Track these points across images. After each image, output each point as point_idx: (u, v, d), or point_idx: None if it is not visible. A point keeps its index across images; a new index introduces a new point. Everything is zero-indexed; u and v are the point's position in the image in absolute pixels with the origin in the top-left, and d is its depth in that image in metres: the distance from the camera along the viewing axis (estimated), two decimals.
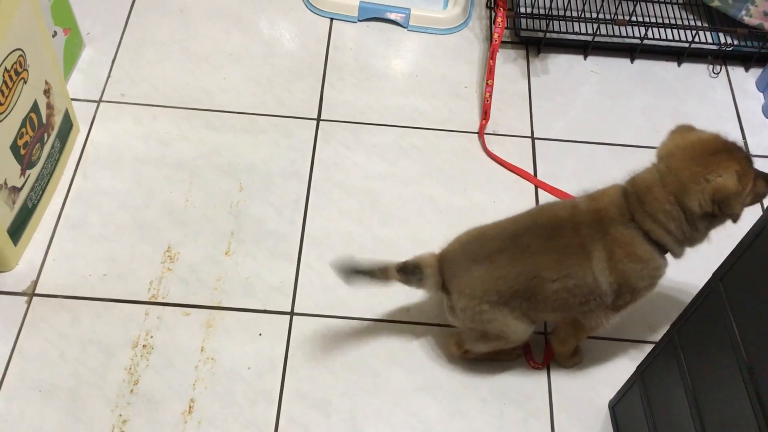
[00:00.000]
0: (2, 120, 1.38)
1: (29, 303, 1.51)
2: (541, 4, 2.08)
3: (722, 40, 2.05)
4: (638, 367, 1.33)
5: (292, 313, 1.55)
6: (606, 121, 1.93)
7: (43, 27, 1.52)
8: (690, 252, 1.68)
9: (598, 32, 2.02)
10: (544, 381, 1.50)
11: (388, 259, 1.36)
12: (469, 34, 2.09)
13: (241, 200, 1.70)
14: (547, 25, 2.00)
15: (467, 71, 2.00)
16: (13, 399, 1.40)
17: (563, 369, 1.52)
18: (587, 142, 1.89)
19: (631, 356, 1.54)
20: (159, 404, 1.42)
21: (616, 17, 2.02)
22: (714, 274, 1.09)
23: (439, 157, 1.82)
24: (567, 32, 2.04)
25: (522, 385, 1.49)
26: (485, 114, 1.87)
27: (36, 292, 1.53)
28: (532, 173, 1.80)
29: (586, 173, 1.81)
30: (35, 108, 1.51)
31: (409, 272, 1.34)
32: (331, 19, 2.07)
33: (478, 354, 1.45)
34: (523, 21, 2.05)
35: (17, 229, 1.53)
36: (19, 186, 1.50)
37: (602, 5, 2.05)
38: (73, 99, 1.77)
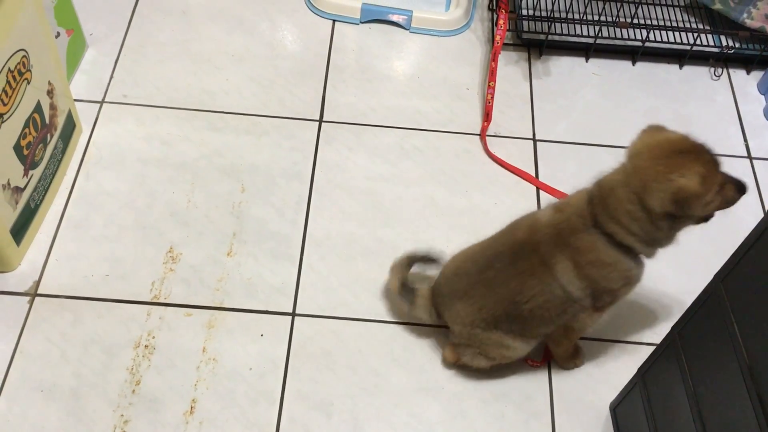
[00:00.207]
0: (6, 120, 1.39)
1: (31, 303, 1.52)
2: (542, 6, 2.08)
3: (724, 43, 2.06)
4: (639, 369, 1.33)
5: (293, 314, 1.55)
6: (608, 124, 1.93)
7: (46, 28, 1.52)
8: (691, 253, 1.69)
9: (599, 35, 2.02)
10: (545, 382, 1.51)
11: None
12: (471, 36, 2.10)
13: (243, 201, 1.70)
14: (549, 28, 2.00)
15: (469, 73, 2.00)
16: (14, 399, 1.40)
17: (564, 370, 1.52)
18: (589, 144, 1.89)
19: (632, 358, 1.54)
20: (160, 404, 1.42)
21: (617, 20, 2.02)
22: (716, 275, 1.09)
23: (441, 159, 1.82)
24: (569, 34, 2.04)
25: (523, 387, 1.49)
26: (487, 116, 1.87)
27: (38, 292, 1.53)
28: (534, 175, 1.81)
29: (587, 175, 1.80)
30: (38, 108, 1.52)
31: (407, 291, 1.47)
32: (334, 20, 2.08)
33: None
34: (525, 23, 2.06)
35: (20, 230, 1.53)
36: (22, 186, 1.51)
37: (604, 8, 2.06)
38: (75, 100, 1.77)
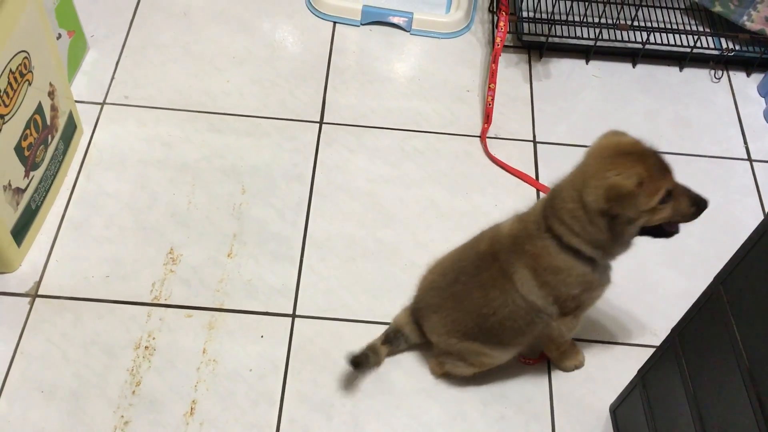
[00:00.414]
0: (7, 121, 1.39)
1: (32, 304, 1.52)
2: (543, 8, 2.09)
3: (724, 45, 2.06)
4: (639, 371, 1.33)
5: (293, 315, 1.55)
6: (608, 126, 1.89)
7: (47, 29, 1.53)
8: (691, 255, 1.69)
9: (600, 37, 2.03)
10: (545, 384, 1.51)
11: (372, 337, 1.46)
12: (471, 38, 2.10)
13: (243, 202, 1.70)
14: (550, 30, 2.01)
15: (470, 75, 2.01)
16: (15, 400, 1.40)
17: (564, 372, 1.52)
18: (589, 146, 1.88)
19: (632, 360, 1.53)
20: (161, 405, 1.42)
21: (618, 22, 2.03)
22: (715, 277, 1.09)
23: (441, 161, 1.82)
24: (569, 37, 2.05)
25: (523, 389, 1.49)
26: (487, 118, 1.88)
27: (39, 293, 1.53)
28: (534, 177, 1.81)
29: None
30: (39, 110, 1.52)
31: (393, 339, 1.46)
32: (334, 22, 2.08)
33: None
34: (526, 25, 2.06)
35: (21, 231, 1.54)
36: (23, 187, 1.51)
37: (604, 10, 2.06)
38: (76, 101, 1.78)
